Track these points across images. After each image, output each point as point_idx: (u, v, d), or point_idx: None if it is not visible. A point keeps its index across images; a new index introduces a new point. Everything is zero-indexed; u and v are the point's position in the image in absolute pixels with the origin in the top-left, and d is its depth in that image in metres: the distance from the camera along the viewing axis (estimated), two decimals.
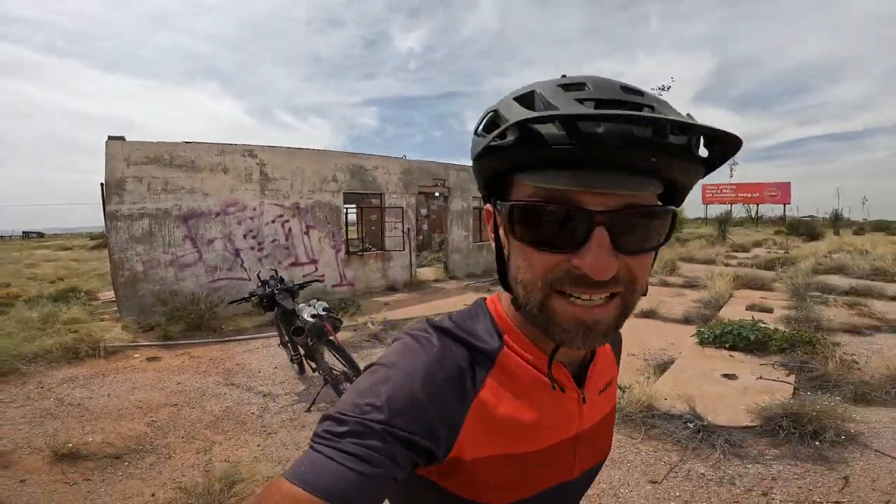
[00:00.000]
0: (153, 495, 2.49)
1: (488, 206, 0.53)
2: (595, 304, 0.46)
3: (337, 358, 3.46)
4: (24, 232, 57.88)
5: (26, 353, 4.75)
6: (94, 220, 6.70)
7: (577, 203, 0.43)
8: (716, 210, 50.84)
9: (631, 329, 5.92)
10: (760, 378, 3.80)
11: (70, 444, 2.89)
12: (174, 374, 4.41)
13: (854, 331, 5.51)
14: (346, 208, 9.65)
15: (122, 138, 6.08)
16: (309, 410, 3.48)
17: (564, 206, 0.43)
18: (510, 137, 0.43)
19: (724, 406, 3.27)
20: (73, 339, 5.08)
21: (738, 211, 47.86)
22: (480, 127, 0.48)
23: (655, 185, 0.44)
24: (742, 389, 3.57)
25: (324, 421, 0.45)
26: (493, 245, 0.53)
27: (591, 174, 0.42)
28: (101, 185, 6.43)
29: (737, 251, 16.53)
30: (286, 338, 4.14)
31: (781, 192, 45.46)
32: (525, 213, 0.45)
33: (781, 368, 4.03)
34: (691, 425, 2.93)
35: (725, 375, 3.89)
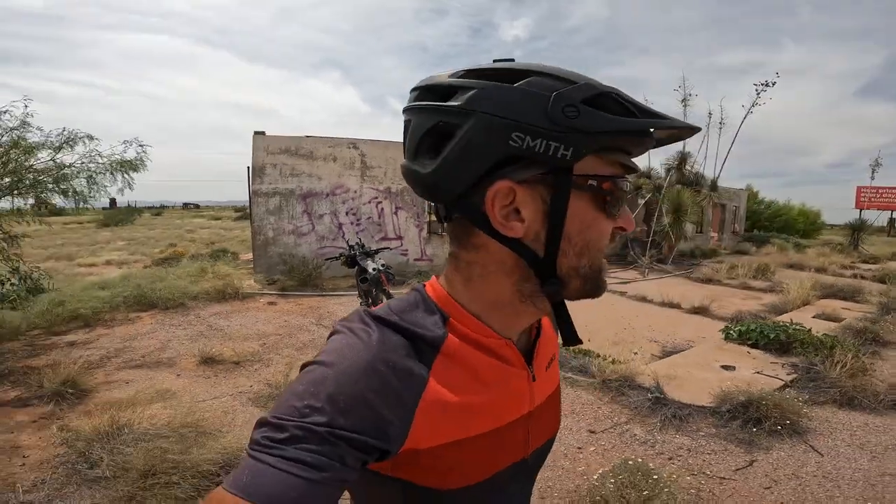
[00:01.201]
0: (251, 386, 3.79)
1: (508, 183, 0.47)
2: None
3: None
4: (184, 203, 68.18)
5: (190, 293, 6.63)
6: (238, 195, 8.59)
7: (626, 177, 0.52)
8: (875, 217, 43.61)
9: (667, 319, 6.26)
10: (758, 372, 4.13)
11: (210, 354, 4.37)
12: (284, 315, 5.94)
13: None
14: None
15: (263, 133, 7.85)
16: None
17: (626, 179, 0.52)
18: (641, 128, 0.48)
19: (695, 388, 3.74)
20: (221, 286, 6.92)
21: None
22: (585, 98, 0.46)
23: None
24: (729, 379, 3.95)
25: (260, 427, 0.42)
26: (515, 228, 0.48)
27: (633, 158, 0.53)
28: (248, 168, 8.33)
29: (866, 262, 14.70)
30: (361, 290, 5.34)
31: None
32: (620, 186, 0.50)
33: (790, 367, 4.27)
34: (650, 396, 3.53)
35: (724, 366, 4.27)
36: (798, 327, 4.95)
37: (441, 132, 0.48)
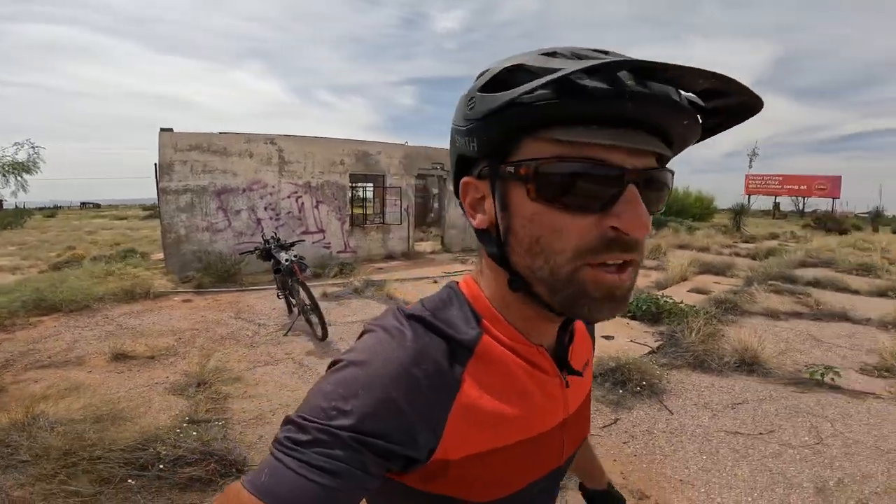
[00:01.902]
0: (167, 377, 3.84)
1: (469, 179, 0.48)
2: (620, 268, 0.44)
3: (306, 293, 4.75)
4: (81, 202, 61.94)
5: (95, 294, 6.34)
6: (146, 192, 8.28)
7: (611, 160, 0.41)
8: (763, 203, 49.26)
9: None
10: (632, 341, 4.83)
11: (122, 350, 4.34)
12: (200, 311, 5.91)
13: (770, 315, 6.11)
14: (363, 186, 11.09)
15: (170, 130, 7.62)
16: (286, 334, 4.87)
17: (602, 163, 0.41)
18: (545, 90, 0.39)
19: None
20: (130, 285, 6.67)
21: (788, 204, 46.16)
22: (481, 87, 0.44)
23: (667, 148, 0.44)
24: (607, 347, 4.59)
25: (286, 424, 0.41)
26: (479, 220, 0.48)
27: (629, 132, 0.40)
28: (155, 165, 8.03)
29: (747, 242, 16.81)
30: (278, 281, 5.48)
31: (831, 185, 43.17)
32: (558, 170, 0.41)
33: (658, 335, 4.98)
34: None
35: (604, 336, 4.93)
36: (667, 299, 5.76)
37: None
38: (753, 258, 11.92)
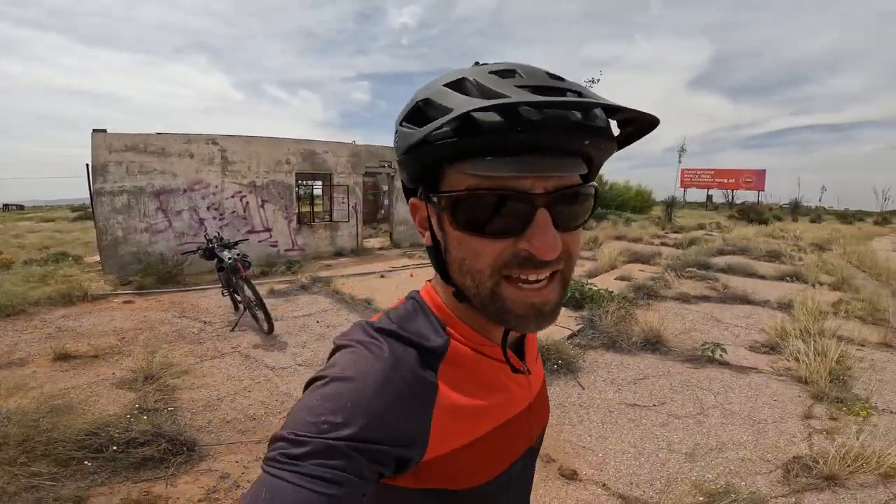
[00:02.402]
0: (113, 373, 3.94)
1: (415, 200, 0.52)
2: (542, 286, 0.47)
3: (251, 290, 4.92)
4: (3, 204, 57.29)
5: (31, 298, 6.16)
6: (75, 192, 8.05)
7: (519, 188, 0.44)
8: (695, 195, 52.57)
9: None
10: (554, 325, 5.31)
11: (65, 350, 4.38)
12: (143, 312, 5.92)
13: (682, 299, 6.75)
14: (312, 185, 11.19)
15: (104, 131, 7.47)
16: (232, 330, 5.04)
17: (510, 192, 0.44)
18: (447, 128, 0.43)
19: None
20: (66, 288, 6.51)
21: (720, 197, 49.39)
22: (404, 118, 0.48)
23: (581, 165, 0.47)
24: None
25: (275, 442, 0.42)
26: (427, 237, 0.53)
27: (532, 159, 0.43)
28: (87, 166, 7.81)
29: (677, 232, 18.12)
30: (222, 279, 5.59)
31: (757, 179, 46.69)
32: (471, 202, 0.45)
33: (580, 319, 5.46)
34: None
35: None
36: (591, 287, 6.33)
37: None
38: (678, 247, 12.96)
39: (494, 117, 0.42)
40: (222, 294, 5.84)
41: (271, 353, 4.43)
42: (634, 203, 29.93)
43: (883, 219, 34.38)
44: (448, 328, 0.54)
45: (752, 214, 24.92)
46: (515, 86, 0.43)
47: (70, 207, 39.64)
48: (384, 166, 11.30)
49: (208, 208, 8.53)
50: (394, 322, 0.53)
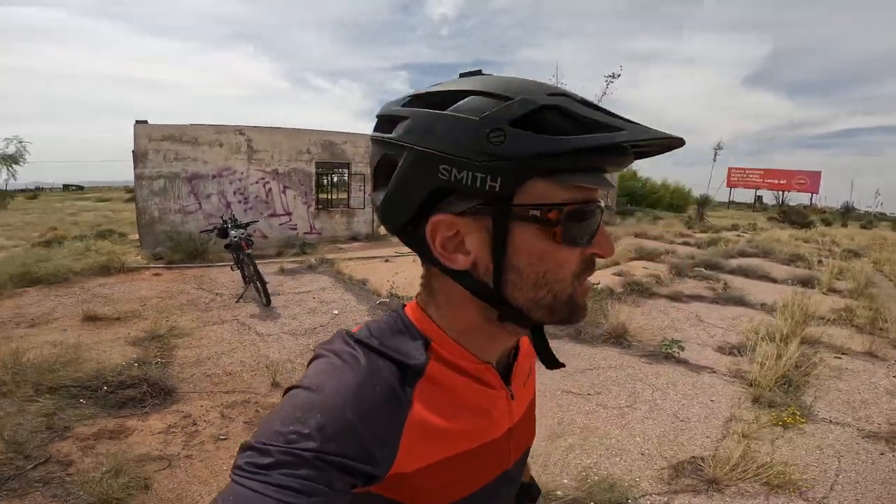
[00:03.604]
0: (128, 333, 4.60)
1: (443, 217, 0.47)
2: None
3: (255, 266, 5.54)
4: (64, 185, 61.48)
5: (74, 269, 7.05)
6: (130, 174, 9.01)
7: (597, 198, 0.48)
8: (741, 195, 50.19)
9: None
10: None
11: (93, 313, 5.10)
12: (167, 283, 6.68)
13: (673, 297, 6.76)
14: (331, 173, 11.83)
15: (145, 122, 8.34)
16: (237, 302, 5.67)
17: (595, 203, 0.47)
18: (595, 143, 0.43)
19: None
20: (105, 260, 7.41)
21: (771, 198, 47.01)
22: (513, 119, 0.43)
23: None
24: None
25: (244, 451, 0.41)
26: (461, 261, 0.48)
27: (602, 173, 0.47)
28: (133, 153, 8.72)
29: (705, 232, 17.68)
30: (232, 255, 6.24)
31: (811, 181, 43.97)
32: (576, 214, 0.46)
33: None
34: None
35: None
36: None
37: (388, 164, 0.48)
38: (698, 247, 12.77)
39: (602, 141, 0.43)
40: (231, 268, 6.50)
41: (263, 323, 5.01)
42: (671, 201, 29.18)
43: None
44: (434, 346, 0.52)
45: (795, 217, 23.79)
46: (605, 112, 0.46)
47: (125, 189, 42.61)
48: None
49: (234, 193, 9.31)
50: (374, 335, 0.52)
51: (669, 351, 4.49)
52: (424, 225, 0.48)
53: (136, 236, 10.16)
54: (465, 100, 0.45)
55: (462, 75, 0.49)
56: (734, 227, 19.93)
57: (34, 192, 41.85)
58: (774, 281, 8.59)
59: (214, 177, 9.05)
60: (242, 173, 9.37)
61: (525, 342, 0.66)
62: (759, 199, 48.61)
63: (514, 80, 0.46)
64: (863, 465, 2.83)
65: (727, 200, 50.57)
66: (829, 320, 5.95)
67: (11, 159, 5.85)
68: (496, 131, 0.43)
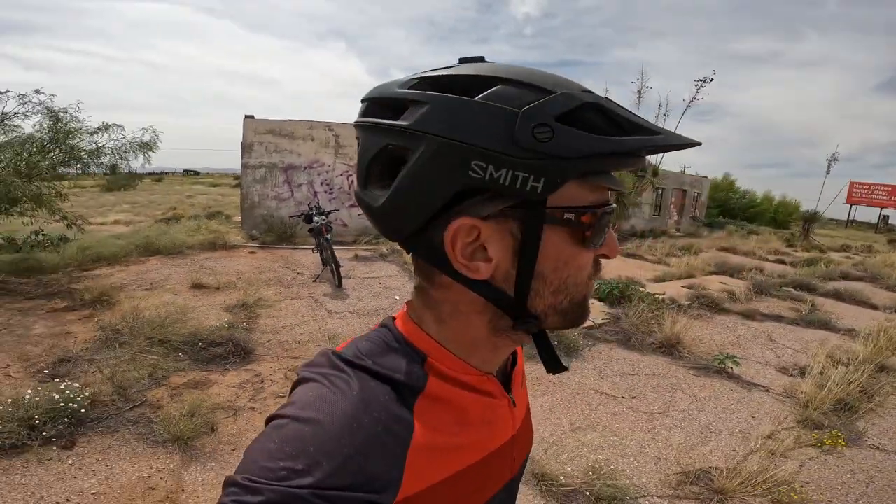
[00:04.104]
0: (224, 301, 5.38)
1: (468, 220, 0.42)
2: None
3: (332, 251, 6.19)
4: (184, 170, 69.33)
5: (188, 243, 8.21)
6: (238, 163, 10.26)
7: (610, 200, 0.47)
8: (865, 213, 44.16)
9: None
10: None
11: (199, 281, 6.03)
12: (259, 260, 7.60)
13: (746, 314, 6.46)
14: None
15: (252, 117, 9.45)
16: (314, 281, 6.37)
17: (612, 205, 0.46)
18: (640, 146, 0.42)
19: None
20: (213, 238, 8.57)
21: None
22: (560, 116, 0.40)
23: None
24: None
25: (229, 487, 0.37)
26: (484, 269, 0.44)
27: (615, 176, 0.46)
28: (241, 144, 9.92)
29: (807, 251, 16.11)
30: (314, 238, 6.97)
31: None
32: (602, 217, 0.44)
33: (609, 315, 5.65)
34: None
35: None
36: (636, 287, 6.48)
37: (391, 157, 0.43)
38: (794, 266, 11.76)
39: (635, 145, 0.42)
40: (312, 251, 7.24)
41: (333, 301, 5.62)
42: (774, 215, 26.71)
43: None
44: (431, 361, 0.48)
45: None
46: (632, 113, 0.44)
47: (234, 176, 47.21)
48: None
49: (321, 183, 10.23)
50: (363, 355, 0.47)
51: (722, 365, 4.38)
52: (441, 230, 0.43)
53: (239, 218, 11.50)
54: (495, 88, 0.40)
55: (462, 60, 0.44)
56: (844, 248, 17.98)
57: (159, 176, 47.57)
58: (874, 307, 7.86)
59: (305, 168, 10.02)
60: (329, 165, 10.26)
61: (518, 348, 0.62)
62: (884, 218, 42.70)
63: (537, 70, 0.43)
64: (892, 492, 2.75)
65: (846, 219, 45.01)
66: None
67: (147, 146, 7.03)
68: (542, 126, 0.39)
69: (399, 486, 0.42)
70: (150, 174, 46.56)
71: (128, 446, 2.69)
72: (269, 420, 0.42)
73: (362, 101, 0.47)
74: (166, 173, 59.65)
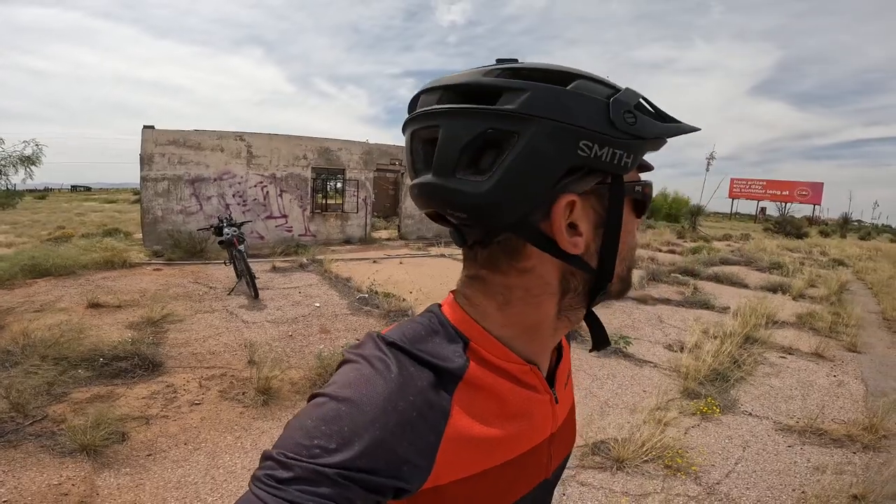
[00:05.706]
0: (127, 318, 5.07)
1: (574, 197, 0.45)
2: None
3: (245, 262, 6.06)
4: (72, 186, 62.20)
5: (81, 263, 7.55)
6: (137, 176, 9.59)
7: None
8: (745, 206, 50.27)
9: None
10: None
11: (96, 300, 5.60)
12: (166, 277, 7.19)
13: (640, 300, 7.08)
14: (326, 177, 12.38)
15: (151, 127, 8.92)
16: (229, 294, 6.17)
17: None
18: (679, 132, 0.49)
19: None
20: (109, 256, 7.94)
21: (774, 209, 46.97)
22: (636, 104, 0.47)
23: None
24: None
25: (265, 460, 0.39)
26: (580, 243, 0.46)
27: None
28: (140, 156, 9.30)
29: (695, 241, 17.98)
30: (226, 251, 6.75)
31: (813, 192, 44.10)
32: (651, 188, 0.52)
33: None
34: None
35: None
36: None
37: (490, 141, 0.44)
38: (683, 255, 13.11)
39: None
40: (225, 264, 7.01)
41: (250, 312, 5.50)
42: (669, 210, 29.53)
43: None
44: (473, 346, 0.49)
45: (790, 227, 24.02)
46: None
47: (132, 191, 43.48)
48: (394, 164, 12.35)
49: (234, 195, 9.87)
50: (407, 337, 0.48)
51: (617, 346, 4.85)
52: (544, 209, 0.45)
53: (140, 235, 10.74)
54: (578, 81, 0.45)
55: (499, 61, 0.47)
56: (726, 237, 20.23)
57: (42, 193, 42.62)
58: (746, 287, 8.92)
59: (215, 180, 9.62)
60: (242, 177, 9.93)
61: (565, 343, 0.63)
62: (762, 210, 48.63)
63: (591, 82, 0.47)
64: (766, 456, 3.03)
65: (730, 212, 50.72)
66: (787, 323, 6.29)
67: (28, 161, 6.42)
68: (629, 113, 0.45)
69: (428, 475, 0.43)
70: (31, 191, 41.51)
71: (33, 458, 2.64)
72: (311, 397, 0.44)
73: (427, 91, 0.48)
74: (51, 189, 53.38)
